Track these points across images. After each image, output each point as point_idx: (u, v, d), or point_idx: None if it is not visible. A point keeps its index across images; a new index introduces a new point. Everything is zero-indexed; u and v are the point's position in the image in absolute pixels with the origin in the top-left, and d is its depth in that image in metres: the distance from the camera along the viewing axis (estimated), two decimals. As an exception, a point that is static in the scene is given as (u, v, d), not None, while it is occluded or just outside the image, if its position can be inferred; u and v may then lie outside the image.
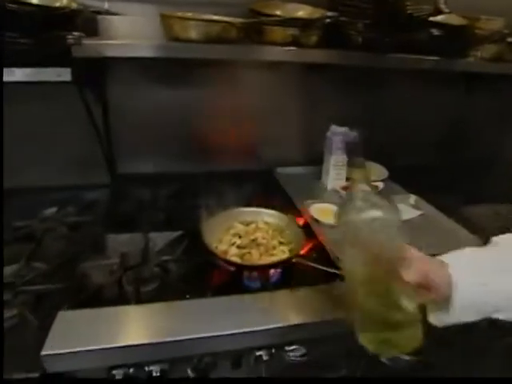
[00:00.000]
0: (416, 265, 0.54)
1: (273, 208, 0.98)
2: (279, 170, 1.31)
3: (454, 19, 0.97)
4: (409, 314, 0.54)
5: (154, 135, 1.18)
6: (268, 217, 0.95)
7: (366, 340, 0.56)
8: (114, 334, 0.60)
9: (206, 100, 1.18)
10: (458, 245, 0.88)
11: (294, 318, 0.69)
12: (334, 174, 1.19)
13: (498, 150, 1.28)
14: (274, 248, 0.84)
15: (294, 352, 0.73)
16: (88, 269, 0.76)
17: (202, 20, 0.81)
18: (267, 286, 0.78)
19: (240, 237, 0.87)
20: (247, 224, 0.93)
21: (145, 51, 0.87)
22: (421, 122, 1.33)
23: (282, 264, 0.79)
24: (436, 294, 0.55)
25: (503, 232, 1.04)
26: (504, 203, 1.17)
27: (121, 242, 0.86)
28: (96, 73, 1.02)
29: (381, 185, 1.19)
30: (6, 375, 0.53)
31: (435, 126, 1.32)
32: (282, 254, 0.83)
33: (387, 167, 1.31)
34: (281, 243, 0.86)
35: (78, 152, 1.08)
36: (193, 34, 0.82)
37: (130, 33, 0.96)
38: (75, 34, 0.69)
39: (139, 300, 0.70)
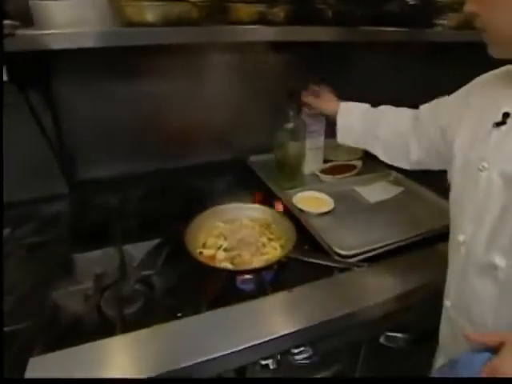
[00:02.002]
0: None
1: (253, 201, 0.92)
2: (252, 158, 1.23)
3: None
4: None
5: (114, 134, 1.06)
6: (251, 212, 0.89)
7: None
8: (98, 377, 0.52)
9: (169, 90, 1.08)
10: (441, 216, 0.88)
11: (298, 323, 0.64)
12: (311, 158, 1.14)
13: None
14: (264, 246, 0.79)
15: (301, 354, 0.69)
16: (58, 298, 0.67)
17: (157, 0, 0.71)
18: (262, 287, 0.73)
19: (225, 238, 0.80)
20: (230, 222, 0.86)
21: (91, 40, 0.74)
22: (391, 95, 1.30)
23: (277, 263, 0.73)
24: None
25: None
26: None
27: (92, 261, 0.76)
28: (39, 69, 0.88)
29: (359, 163, 1.16)
30: None
31: (405, 99, 1.30)
32: (273, 251, 0.78)
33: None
34: (270, 239, 0.81)
35: (28, 161, 0.94)
36: (149, 16, 0.71)
37: (70, 20, 0.82)
38: (7, 22, 0.56)
39: (124, 324, 0.62)
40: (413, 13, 0.91)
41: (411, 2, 0.83)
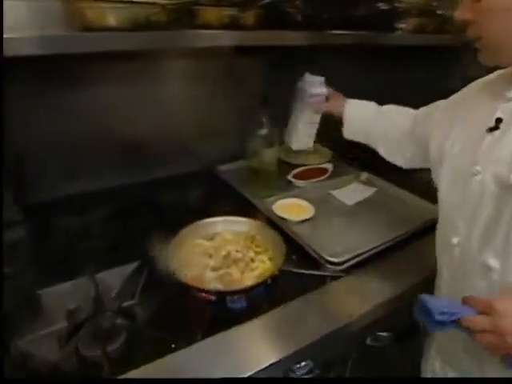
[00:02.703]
0: None
1: (231, 213, 0.87)
2: (221, 167, 1.18)
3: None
4: None
5: (70, 149, 0.96)
6: (233, 225, 0.84)
7: None
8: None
9: (129, 99, 1.00)
10: (419, 213, 0.91)
11: (299, 341, 0.61)
12: (304, 132, 1.01)
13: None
14: (253, 260, 0.75)
15: (303, 369, 0.66)
16: (28, 346, 0.57)
17: (122, 2, 0.64)
18: (253, 304, 0.69)
19: (210, 256, 0.75)
20: (212, 238, 0.81)
21: (27, 48, 0.65)
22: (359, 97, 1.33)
23: (271, 278, 0.69)
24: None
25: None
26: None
27: (62, 296, 0.67)
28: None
29: (330, 166, 1.17)
30: None
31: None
32: (262, 264, 0.74)
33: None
34: (257, 253, 0.77)
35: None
36: (112, 20, 0.65)
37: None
38: None
39: (112, 365, 0.55)
40: (378, 17, 0.93)
41: (382, 7, 0.85)
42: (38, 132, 0.91)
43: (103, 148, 1.02)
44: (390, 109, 0.89)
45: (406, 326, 0.87)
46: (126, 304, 0.67)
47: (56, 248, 0.80)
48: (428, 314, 0.50)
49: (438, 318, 0.49)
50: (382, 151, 0.89)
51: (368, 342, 0.83)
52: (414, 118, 0.82)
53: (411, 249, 0.83)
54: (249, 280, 0.70)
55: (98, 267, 0.73)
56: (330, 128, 1.28)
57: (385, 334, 0.84)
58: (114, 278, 0.73)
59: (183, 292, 0.68)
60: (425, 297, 0.52)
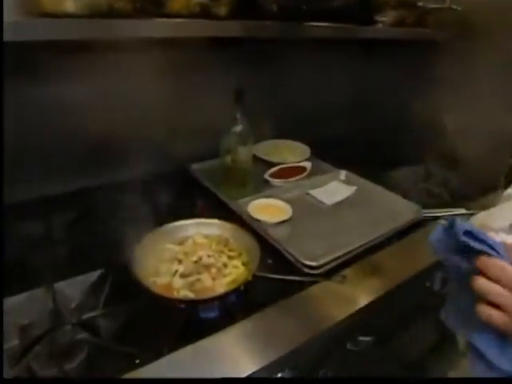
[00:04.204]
0: None
1: (203, 215, 0.83)
2: (195, 166, 1.13)
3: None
4: None
5: (26, 148, 0.89)
6: (204, 227, 0.79)
7: None
8: None
9: (92, 94, 0.93)
10: (398, 211, 0.89)
11: (275, 351, 0.58)
12: None
13: (403, 114, 1.33)
14: (226, 266, 0.70)
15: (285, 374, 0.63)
16: (-29, 368, 0.51)
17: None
18: (226, 312, 0.65)
19: (180, 262, 0.70)
20: (182, 242, 0.76)
21: None
22: (327, 94, 1.31)
23: (244, 285, 0.65)
24: None
25: (428, 192, 1.07)
26: (415, 164, 1.23)
27: (14, 309, 0.61)
28: None
29: (308, 165, 1.13)
30: None
31: (342, 96, 1.31)
32: (236, 270, 0.70)
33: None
34: (230, 258, 0.73)
35: None
36: (70, 6, 0.59)
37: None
38: None
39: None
40: (357, 9, 0.90)
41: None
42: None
43: (66, 148, 0.95)
44: None
45: (385, 329, 0.85)
46: (87, 316, 0.62)
47: (8, 256, 0.73)
48: (449, 237, 0.42)
49: (463, 238, 0.40)
50: None
51: (348, 346, 0.81)
52: None
53: (392, 249, 0.81)
54: (221, 287, 0.65)
55: (57, 276, 0.67)
56: (307, 124, 1.26)
57: (365, 338, 0.82)
58: (74, 288, 0.67)
59: (151, 301, 0.63)
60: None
